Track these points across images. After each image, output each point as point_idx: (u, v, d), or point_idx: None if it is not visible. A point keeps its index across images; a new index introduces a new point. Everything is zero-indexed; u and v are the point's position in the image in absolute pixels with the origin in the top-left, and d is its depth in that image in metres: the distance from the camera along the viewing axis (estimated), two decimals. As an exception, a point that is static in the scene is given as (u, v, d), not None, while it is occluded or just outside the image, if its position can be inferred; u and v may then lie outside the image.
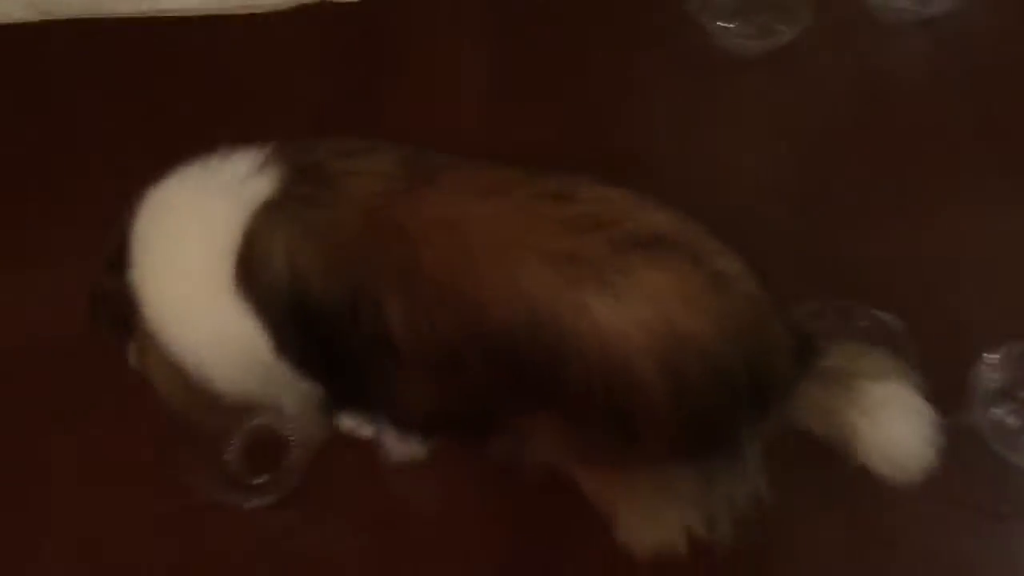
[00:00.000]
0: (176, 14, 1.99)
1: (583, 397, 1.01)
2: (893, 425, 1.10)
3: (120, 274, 1.14)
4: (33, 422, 1.47)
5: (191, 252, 1.11)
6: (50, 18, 1.97)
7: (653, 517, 1.19)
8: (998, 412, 1.40)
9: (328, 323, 1.08)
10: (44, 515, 1.41)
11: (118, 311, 1.16)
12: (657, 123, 1.76)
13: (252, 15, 1.98)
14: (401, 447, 1.33)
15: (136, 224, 1.13)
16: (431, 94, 1.81)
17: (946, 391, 1.17)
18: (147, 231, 1.13)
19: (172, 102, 1.84)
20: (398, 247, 1.03)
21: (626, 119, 1.77)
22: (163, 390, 1.20)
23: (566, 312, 0.97)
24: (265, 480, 1.39)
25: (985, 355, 1.38)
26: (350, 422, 1.37)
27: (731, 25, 1.83)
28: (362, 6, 1.97)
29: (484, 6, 1.97)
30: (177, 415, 1.24)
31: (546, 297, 0.98)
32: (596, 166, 1.09)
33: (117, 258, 1.14)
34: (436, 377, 1.09)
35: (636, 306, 0.97)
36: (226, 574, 1.35)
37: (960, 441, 1.19)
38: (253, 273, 1.07)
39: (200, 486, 1.35)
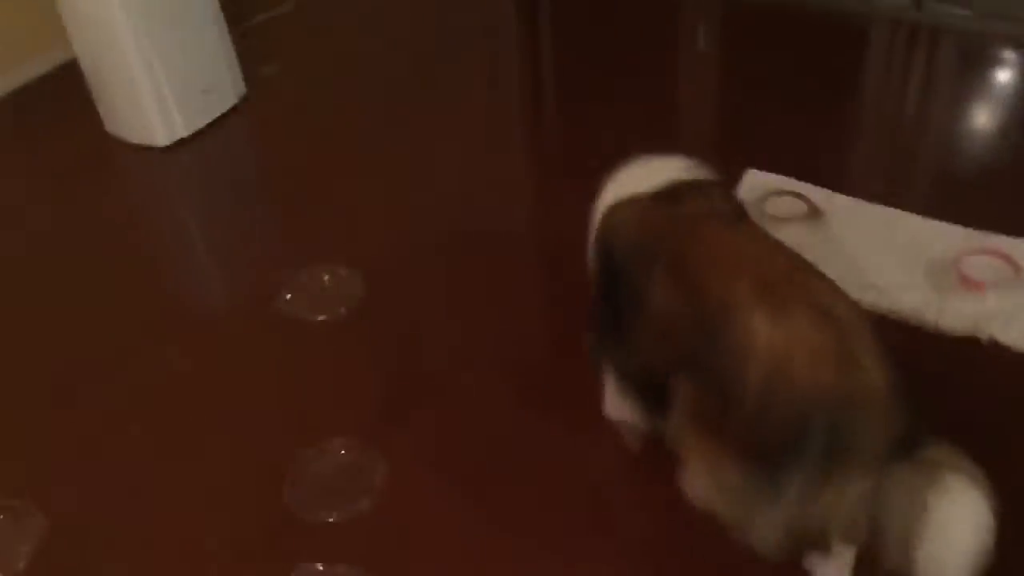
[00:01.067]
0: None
1: (722, 372, 1.40)
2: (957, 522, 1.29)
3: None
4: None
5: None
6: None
7: (710, 484, 1.48)
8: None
9: (620, 266, 1.64)
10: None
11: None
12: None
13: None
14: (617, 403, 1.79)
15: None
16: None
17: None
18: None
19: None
20: (678, 240, 1.56)
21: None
22: None
23: (745, 317, 1.37)
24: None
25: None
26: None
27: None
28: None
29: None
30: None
31: (744, 304, 1.39)
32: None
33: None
34: (656, 334, 1.55)
35: (788, 338, 1.34)
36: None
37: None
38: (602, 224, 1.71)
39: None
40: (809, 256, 1.52)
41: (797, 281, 1.43)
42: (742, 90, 3.01)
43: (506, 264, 2.39)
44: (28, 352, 2.29)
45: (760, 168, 2.53)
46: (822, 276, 1.45)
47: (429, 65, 3.25)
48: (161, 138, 2.89)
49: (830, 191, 2.43)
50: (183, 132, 2.92)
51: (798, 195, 2.42)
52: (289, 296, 2.32)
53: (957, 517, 1.28)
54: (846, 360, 1.33)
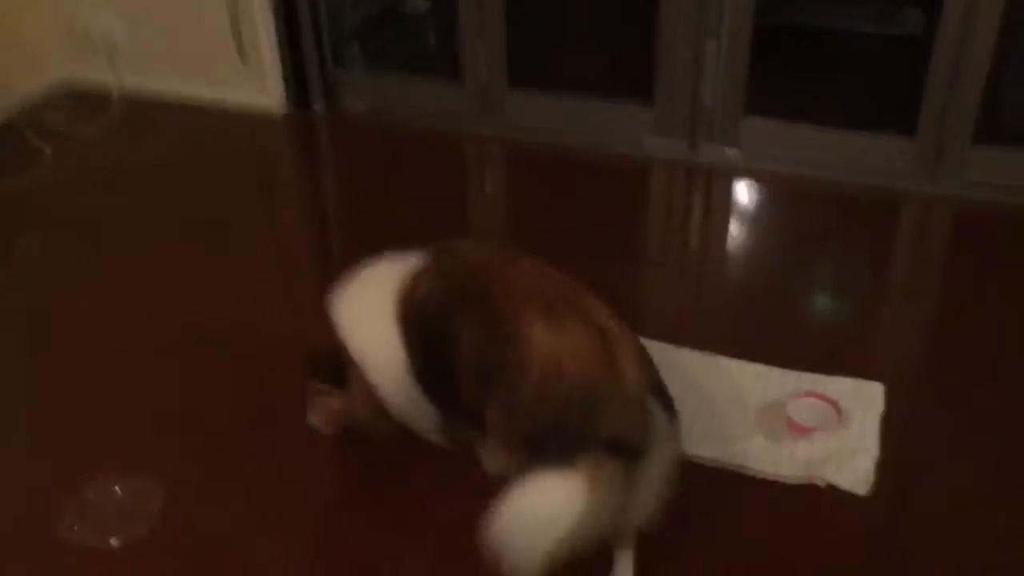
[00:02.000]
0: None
1: (510, 382, 1.65)
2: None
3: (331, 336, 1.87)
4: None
5: (375, 303, 1.85)
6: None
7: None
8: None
9: (432, 330, 1.79)
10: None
11: (326, 366, 1.93)
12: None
13: None
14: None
15: (340, 297, 1.92)
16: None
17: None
18: (348, 299, 1.91)
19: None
20: (475, 286, 1.79)
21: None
22: (359, 407, 1.93)
23: (527, 332, 1.64)
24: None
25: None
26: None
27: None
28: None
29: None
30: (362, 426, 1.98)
31: (527, 322, 1.65)
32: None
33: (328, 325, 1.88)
34: (472, 380, 1.74)
35: (561, 343, 1.63)
36: None
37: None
38: (405, 304, 1.82)
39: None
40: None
41: (574, 301, 1.70)
42: (532, 233, 3.00)
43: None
44: None
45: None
46: (595, 298, 1.71)
47: (208, 230, 3.02)
48: None
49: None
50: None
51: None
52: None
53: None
54: (608, 360, 1.61)
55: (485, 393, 1.70)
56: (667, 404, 1.68)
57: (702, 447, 2.12)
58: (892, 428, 2.18)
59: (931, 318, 2.69)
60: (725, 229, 3.17)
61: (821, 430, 2.16)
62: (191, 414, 2.26)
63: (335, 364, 1.89)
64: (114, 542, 1.92)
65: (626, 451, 1.55)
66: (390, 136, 3.56)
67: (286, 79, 3.59)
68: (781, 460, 2.10)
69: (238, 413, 2.26)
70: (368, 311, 1.87)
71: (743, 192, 3.29)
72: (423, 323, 1.81)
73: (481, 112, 3.53)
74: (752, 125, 3.26)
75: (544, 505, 1.51)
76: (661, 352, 2.35)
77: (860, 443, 2.14)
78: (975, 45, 2.91)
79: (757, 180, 3.28)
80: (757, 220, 3.20)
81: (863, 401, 2.25)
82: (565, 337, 1.62)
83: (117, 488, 2.03)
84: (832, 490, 2.04)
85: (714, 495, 2.03)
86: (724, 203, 3.31)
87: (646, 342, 2.01)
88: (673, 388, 1.72)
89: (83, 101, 3.70)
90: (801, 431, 2.16)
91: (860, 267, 2.85)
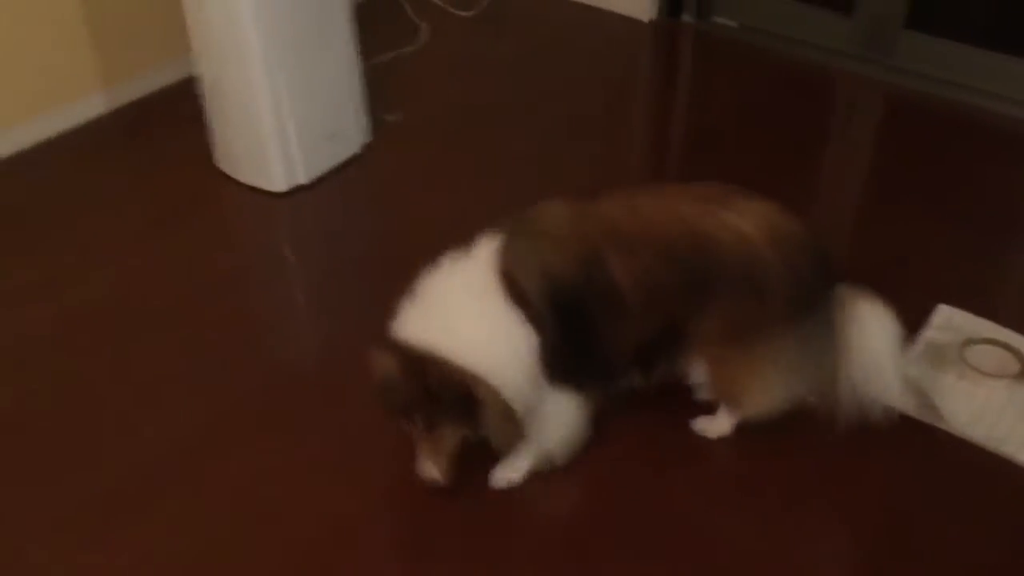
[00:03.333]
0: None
1: (728, 283, 1.68)
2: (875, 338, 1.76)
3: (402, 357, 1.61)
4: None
5: (477, 307, 1.63)
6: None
7: (766, 388, 1.80)
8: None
9: (572, 295, 1.64)
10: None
11: (412, 394, 1.61)
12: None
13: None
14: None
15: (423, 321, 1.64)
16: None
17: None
18: (437, 317, 1.63)
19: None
20: (599, 224, 1.69)
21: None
22: (497, 422, 1.62)
23: (709, 225, 1.67)
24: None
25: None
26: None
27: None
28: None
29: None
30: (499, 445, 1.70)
31: (695, 218, 1.68)
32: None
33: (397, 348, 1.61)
34: (646, 302, 1.68)
35: (751, 218, 1.68)
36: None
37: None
38: (518, 285, 1.63)
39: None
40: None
41: (725, 195, 1.72)
42: (894, 193, 2.71)
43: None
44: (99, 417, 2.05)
45: (953, 304, 2.24)
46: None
47: (563, 127, 2.99)
48: (278, 183, 2.63)
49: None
50: (302, 179, 2.66)
51: (1008, 347, 2.11)
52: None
53: (877, 328, 1.76)
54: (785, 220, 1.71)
55: (684, 312, 1.72)
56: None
57: None
58: None
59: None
60: None
61: None
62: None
63: (421, 390, 1.60)
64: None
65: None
66: (757, 60, 3.35)
67: (661, -15, 3.47)
68: None
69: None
70: (473, 317, 1.62)
71: None
72: (561, 291, 1.64)
73: (866, 50, 3.22)
74: None
75: (882, 337, 1.77)
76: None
77: None
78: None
79: None
80: None
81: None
82: (747, 213, 1.68)
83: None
84: None
85: None
86: None
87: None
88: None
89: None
90: None
91: None
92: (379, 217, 2.67)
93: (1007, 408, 1.97)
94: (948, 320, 2.19)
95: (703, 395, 1.92)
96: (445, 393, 1.56)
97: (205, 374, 2.15)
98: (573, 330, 1.65)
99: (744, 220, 1.67)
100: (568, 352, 1.66)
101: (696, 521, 1.82)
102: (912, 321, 2.17)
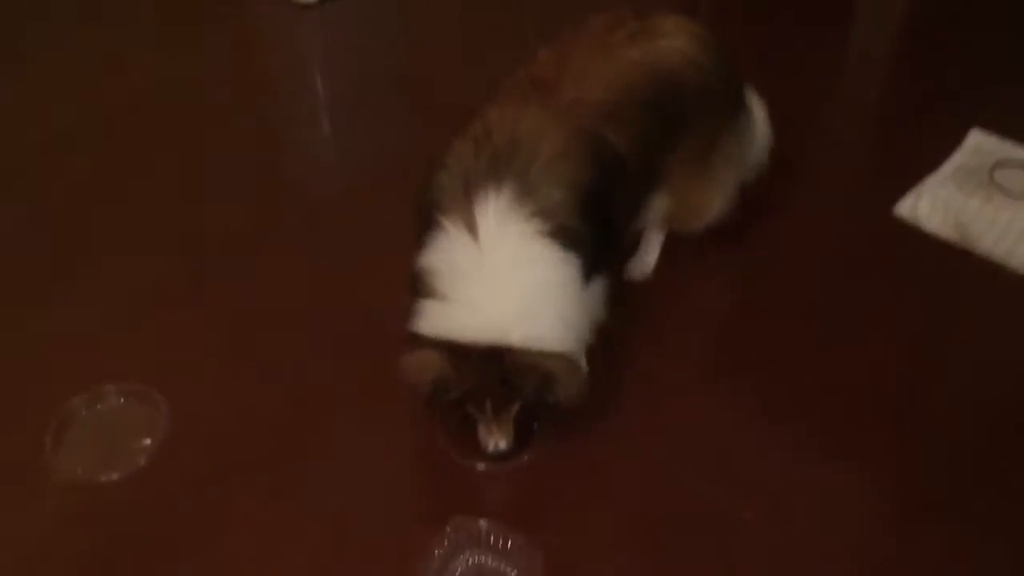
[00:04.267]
0: None
1: (693, 105, 1.69)
2: None
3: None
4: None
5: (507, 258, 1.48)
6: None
7: (721, 191, 1.85)
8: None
9: (594, 190, 1.56)
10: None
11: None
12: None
13: None
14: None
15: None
16: None
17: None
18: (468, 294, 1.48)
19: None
20: (578, 109, 1.58)
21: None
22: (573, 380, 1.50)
23: (658, 58, 1.66)
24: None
25: None
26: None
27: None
28: None
29: None
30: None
31: (642, 57, 1.65)
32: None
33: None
34: (641, 159, 1.64)
35: (680, 35, 1.69)
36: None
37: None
38: (549, 219, 1.50)
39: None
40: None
41: (640, 21, 1.70)
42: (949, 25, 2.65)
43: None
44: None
45: (987, 128, 2.22)
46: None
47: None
48: (307, -8, 2.59)
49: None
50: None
51: (1038, 170, 2.11)
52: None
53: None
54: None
55: (664, 152, 1.71)
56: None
57: None
58: None
59: None
60: None
61: None
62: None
63: (492, 382, 1.49)
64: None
65: None
66: None
67: None
68: None
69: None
70: (522, 289, 1.49)
71: None
72: (587, 194, 1.55)
73: None
74: None
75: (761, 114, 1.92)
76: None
77: None
78: None
79: None
80: None
81: None
82: (674, 31, 1.69)
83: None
84: None
85: None
86: None
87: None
88: None
89: None
90: None
91: None
92: (402, 36, 2.64)
93: (1033, 230, 1.99)
94: (979, 145, 2.18)
95: (653, 228, 1.92)
96: (523, 382, 1.48)
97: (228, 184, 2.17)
98: (601, 224, 1.60)
99: (677, 39, 1.68)
100: (599, 247, 1.60)
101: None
102: (945, 146, 2.18)
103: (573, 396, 1.51)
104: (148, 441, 1.62)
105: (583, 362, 1.57)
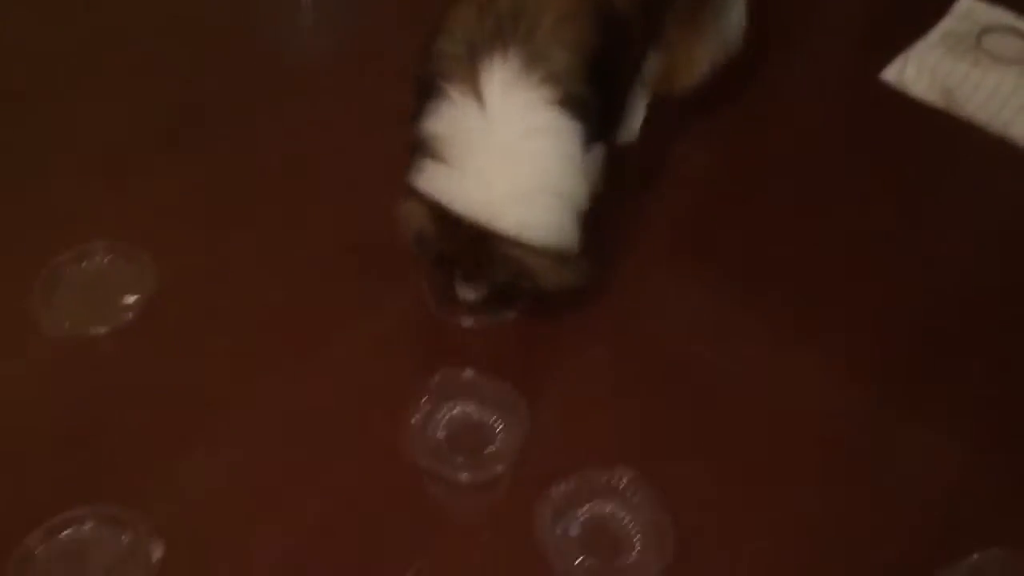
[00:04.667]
0: None
1: None
2: None
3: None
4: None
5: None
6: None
7: (708, 49, 1.82)
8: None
9: (601, 56, 1.51)
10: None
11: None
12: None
13: None
14: None
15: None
16: None
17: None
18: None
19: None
20: None
21: None
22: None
23: None
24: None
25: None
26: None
27: None
28: None
29: None
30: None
31: None
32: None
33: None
34: (643, 20, 1.61)
35: None
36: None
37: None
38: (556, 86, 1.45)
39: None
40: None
41: None
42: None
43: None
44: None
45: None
46: None
47: None
48: None
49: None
50: None
51: (1025, 35, 2.09)
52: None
53: None
54: None
55: (663, 12, 1.70)
56: None
57: None
58: None
59: None
60: None
61: None
62: None
63: (469, 259, 1.48)
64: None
65: None
66: None
67: None
68: None
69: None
70: (524, 162, 1.46)
71: None
72: (594, 59, 1.51)
73: None
74: None
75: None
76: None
77: None
78: None
79: None
80: None
81: None
82: None
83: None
84: None
85: None
86: None
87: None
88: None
89: None
90: None
91: None
92: None
93: (1018, 92, 1.98)
94: (969, 10, 2.15)
95: (640, 91, 1.87)
96: (498, 270, 1.47)
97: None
98: (605, 91, 1.55)
99: None
100: (605, 113, 1.57)
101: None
102: (934, 12, 2.15)
103: (555, 284, 1.49)
104: (135, 298, 1.62)
105: (577, 241, 1.51)
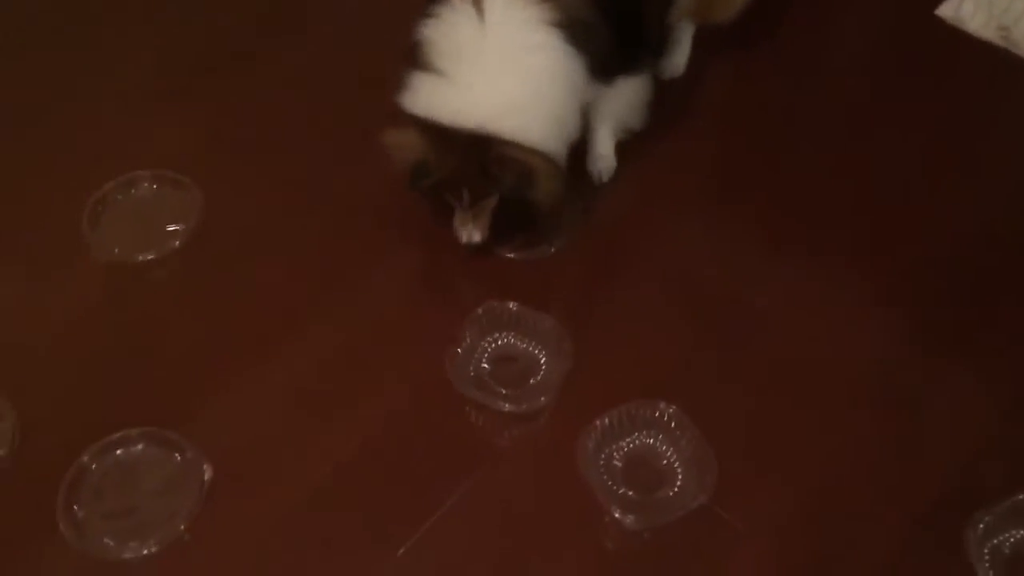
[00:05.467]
0: None
1: None
2: None
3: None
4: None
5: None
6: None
7: None
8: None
9: None
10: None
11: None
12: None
13: None
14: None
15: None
16: None
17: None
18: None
19: None
20: None
21: None
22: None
23: None
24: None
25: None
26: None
27: None
28: None
29: None
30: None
31: None
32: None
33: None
34: None
35: None
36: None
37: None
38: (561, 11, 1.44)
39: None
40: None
41: None
42: None
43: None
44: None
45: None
46: None
47: None
48: None
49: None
50: None
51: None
52: None
53: None
54: None
55: None
56: None
57: None
58: None
59: None
60: None
61: None
62: None
63: (471, 171, 1.45)
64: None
65: None
66: None
67: None
68: None
69: None
70: (519, 75, 1.45)
71: None
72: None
73: None
74: None
75: None
76: None
77: None
78: None
79: None
80: None
81: None
82: None
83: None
84: None
85: None
86: None
87: None
88: None
89: None
90: None
91: None
92: None
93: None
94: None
95: (682, 22, 1.84)
96: (504, 174, 1.44)
97: None
98: (623, 24, 1.54)
99: None
100: (623, 46, 1.55)
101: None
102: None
103: (551, 196, 1.49)
104: (181, 226, 1.64)
105: (563, 164, 1.52)
